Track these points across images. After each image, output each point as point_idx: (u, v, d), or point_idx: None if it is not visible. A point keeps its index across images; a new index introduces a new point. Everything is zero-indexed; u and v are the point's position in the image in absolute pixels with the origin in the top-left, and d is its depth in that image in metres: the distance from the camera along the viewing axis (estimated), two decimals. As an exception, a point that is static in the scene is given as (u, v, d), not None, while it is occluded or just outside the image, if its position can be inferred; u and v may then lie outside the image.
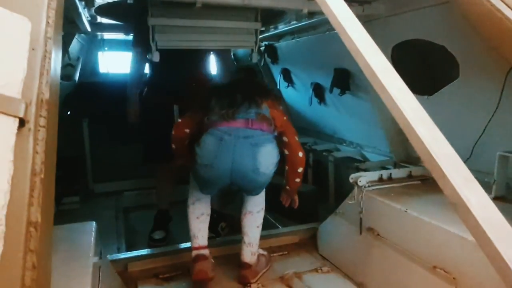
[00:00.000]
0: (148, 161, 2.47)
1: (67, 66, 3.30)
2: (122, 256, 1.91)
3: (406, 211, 1.57)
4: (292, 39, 2.88)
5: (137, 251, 2.00)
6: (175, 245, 2.07)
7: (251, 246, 1.80)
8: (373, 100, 2.34)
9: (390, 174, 1.92)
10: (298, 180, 1.84)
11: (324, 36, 2.51)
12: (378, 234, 1.73)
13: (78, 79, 3.77)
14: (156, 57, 1.87)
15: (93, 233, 1.32)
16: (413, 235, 1.53)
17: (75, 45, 3.31)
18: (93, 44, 3.67)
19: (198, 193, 1.78)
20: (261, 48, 3.44)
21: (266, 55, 3.37)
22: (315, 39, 2.63)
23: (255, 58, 2.06)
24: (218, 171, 1.59)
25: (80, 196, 2.97)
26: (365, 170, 2.43)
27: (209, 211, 1.82)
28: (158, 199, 2.54)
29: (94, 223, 1.40)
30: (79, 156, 3.24)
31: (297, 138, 1.81)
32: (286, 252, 2.11)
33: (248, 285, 1.78)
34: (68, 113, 3.71)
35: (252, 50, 2.03)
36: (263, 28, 2.87)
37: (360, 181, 1.80)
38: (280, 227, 2.46)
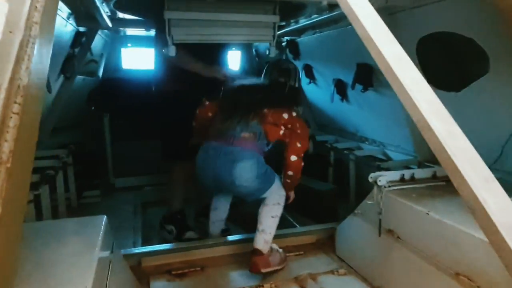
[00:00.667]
0: (167, 159, 2.44)
1: (91, 62, 3.36)
2: (136, 251, 1.91)
3: (428, 214, 1.48)
4: (314, 33, 2.80)
5: (151, 246, 2.00)
6: (190, 242, 2.05)
7: (265, 233, 1.82)
8: (397, 96, 2.23)
9: (413, 174, 1.82)
10: (289, 181, 1.91)
11: (346, 30, 2.42)
12: (398, 237, 1.64)
13: (102, 75, 3.84)
14: (172, 52, 1.85)
15: (102, 227, 1.31)
16: (436, 239, 1.44)
17: (98, 41, 3.36)
18: (116, 40, 3.72)
19: (216, 202, 2.13)
20: (282, 44, 3.38)
21: (287, 50, 3.30)
22: (337, 33, 2.54)
23: (273, 52, 2.00)
24: (204, 180, 1.85)
25: (100, 190, 3.02)
26: (387, 169, 2.34)
27: (223, 218, 2.15)
28: (171, 200, 2.41)
29: (104, 217, 1.40)
30: (101, 151, 3.30)
31: (299, 144, 1.85)
32: (303, 252, 2.05)
33: (261, 285, 1.74)
34: (92, 108, 3.79)
35: (270, 44, 1.97)
36: (283, 23, 2.82)
37: (379, 180, 1.72)
38: (297, 226, 2.41)
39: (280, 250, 1.94)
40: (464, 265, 1.31)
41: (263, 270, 1.77)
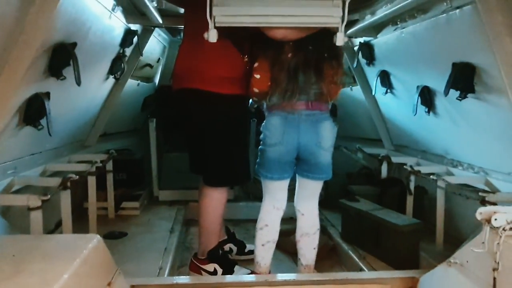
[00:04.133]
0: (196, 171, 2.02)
1: (146, 67, 3.20)
2: (151, 282, 1.52)
3: None
4: (395, 30, 2.29)
5: (175, 277, 1.62)
6: (220, 276, 1.63)
7: (309, 268, 1.84)
8: (513, 105, 1.63)
9: (547, 213, 1.22)
10: None
11: (439, 21, 1.88)
12: (527, 310, 1.05)
13: (159, 82, 3.69)
14: (213, 37, 1.50)
15: (85, 251, 0.95)
16: None
17: (155, 45, 3.20)
18: (175, 45, 3.55)
19: (268, 218, 1.81)
20: (354, 48, 2.90)
21: (360, 55, 2.81)
22: (425, 26, 2.01)
23: (340, 41, 1.54)
24: (287, 147, 1.72)
25: (141, 202, 2.76)
26: (495, 204, 1.72)
27: (275, 238, 1.83)
28: (209, 234, 1.92)
29: (98, 237, 1.04)
30: (145, 160, 3.07)
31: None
32: (370, 307, 1.51)
33: None
34: (148, 116, 3.64)
35: (338, 30, 1.52)
36: (357, 17, 2.36)
37: (495, 219, 1.15)
38: (365, 269, 1.86)
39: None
40: None
41: None
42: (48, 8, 1.39)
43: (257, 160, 1.81)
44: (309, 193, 1.84)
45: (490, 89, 1.79)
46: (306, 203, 1.84)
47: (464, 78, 1.87)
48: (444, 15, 1.82)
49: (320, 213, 2.67)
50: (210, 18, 1.49)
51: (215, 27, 1.50)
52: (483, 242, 1.18)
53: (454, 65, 1.89)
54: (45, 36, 1.51)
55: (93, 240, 1.01)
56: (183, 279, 1.58)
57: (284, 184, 1.81)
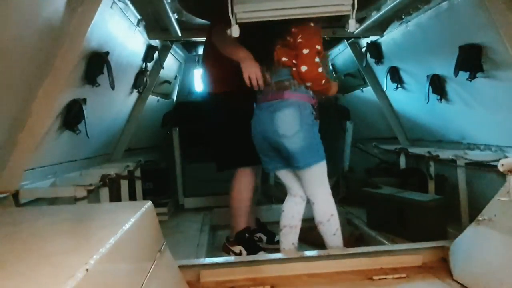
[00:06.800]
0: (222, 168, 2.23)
1: (165, 83, 3.37)
2: (194, 263, 1.59)
3: None
4: (400, 24, 2.42)
5: (212, 258, 1.68)
6: (258, 255, 1.70)
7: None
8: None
9: None
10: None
11: (441, 9, 2.01)
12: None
13: (176, 98, 3.86)
14: (235, 32, 1.64)
15: (143, 208, 1.04)
16: None
17: (172, 63, 3.39)
18: (190, 61, 3.74)
19: (284, 204, 1.93)
20: (362, 49, 3.04)
21: (368, 54, 2.94)
22: (429, 16, 2.14)
23: (352, 27, 1.67)
24: (256, 142, 1.89)
25: (168, 209, 2.85)
26: (516, 171, 1.77)
27: (291, 224, 1.88)
28: (235, 217, 2.14)
29: (149, 203, 1.13)
30: (173, 170, 3.19)
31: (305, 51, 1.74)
32: (405, 275, 1.55)
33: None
34: (168, 133, 3.78)
35: (349, 16, 1.66)
36: (364, 15, 2.51)
37: (518, 166, 1.22)
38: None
39: None
40: None
41: None
42: (88, 18, 1.55)
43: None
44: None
45: (498, 65, 1.88)
46: (311, 192, 1.85)
47: (471, 59, 1.97)
48: (446, 1, 1.95)
49: (343, 208, 2.74)
50: (232, 15, 1.64)
51: (237, 23, 1.65)
52: (508, 192, 1.25)
53: (461, 48, 2.00)
54: (84, 44, 1.66)
55: (147, 204, 1.11)
56: (221, 259, 1.65)
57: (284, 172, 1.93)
